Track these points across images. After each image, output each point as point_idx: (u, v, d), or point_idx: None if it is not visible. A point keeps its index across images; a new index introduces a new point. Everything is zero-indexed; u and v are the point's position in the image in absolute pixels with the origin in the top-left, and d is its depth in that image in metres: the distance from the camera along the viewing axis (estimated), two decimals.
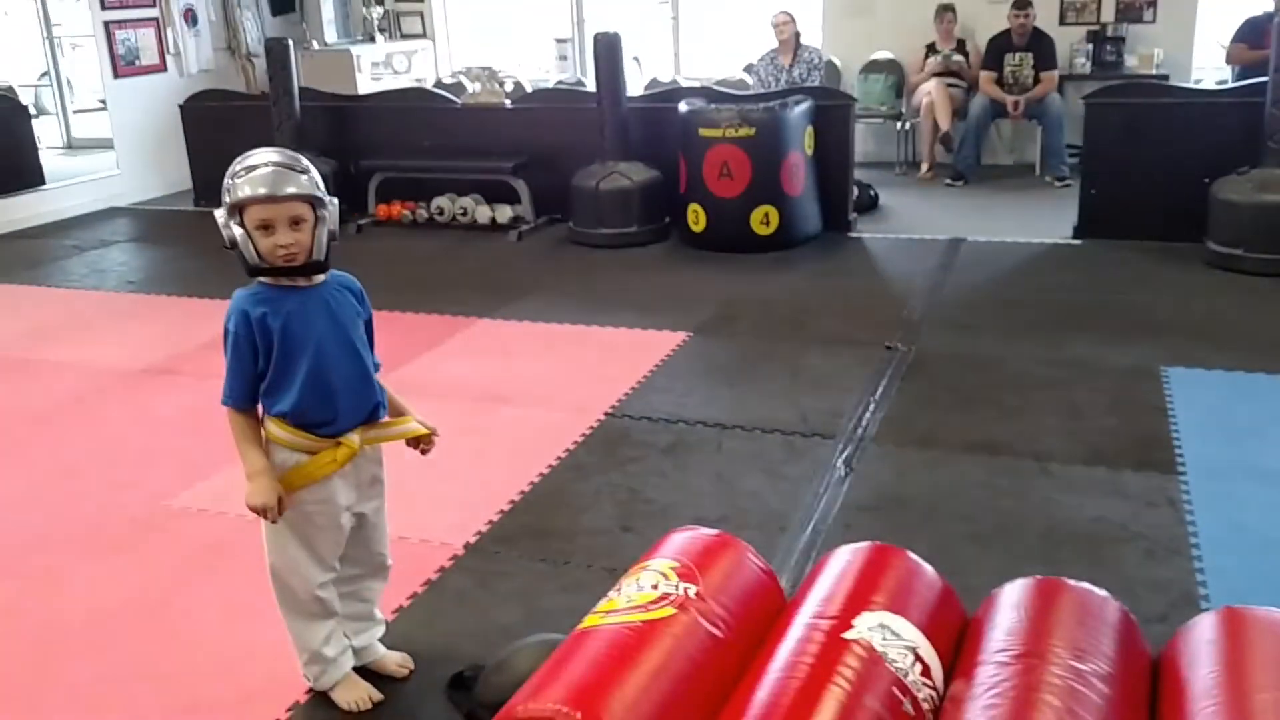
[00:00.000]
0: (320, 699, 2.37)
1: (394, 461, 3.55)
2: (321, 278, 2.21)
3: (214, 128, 7.86)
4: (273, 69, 7.21)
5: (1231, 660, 1.86)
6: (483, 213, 6.99)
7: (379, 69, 9.13)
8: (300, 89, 7.31)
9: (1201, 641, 1.93)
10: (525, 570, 2.88)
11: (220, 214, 2.11)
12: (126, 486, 3.51)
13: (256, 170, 2.09)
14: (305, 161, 2.18)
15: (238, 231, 2.10)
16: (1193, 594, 2.62)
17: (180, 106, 8.07)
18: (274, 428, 2.19)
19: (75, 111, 10.58)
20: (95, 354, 4.87)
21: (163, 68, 8.57)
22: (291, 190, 2.10)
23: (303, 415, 2.18)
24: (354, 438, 2.24)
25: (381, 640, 2.48)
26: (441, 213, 7.09)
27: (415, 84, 8.59)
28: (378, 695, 2.36)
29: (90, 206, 8.15)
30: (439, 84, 8.50)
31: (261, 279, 2.16)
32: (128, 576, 2.96)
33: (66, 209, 8.00)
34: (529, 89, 8.05)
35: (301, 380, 2.16)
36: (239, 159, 2.15)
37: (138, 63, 8.38)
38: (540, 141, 6.87)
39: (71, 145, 10.37)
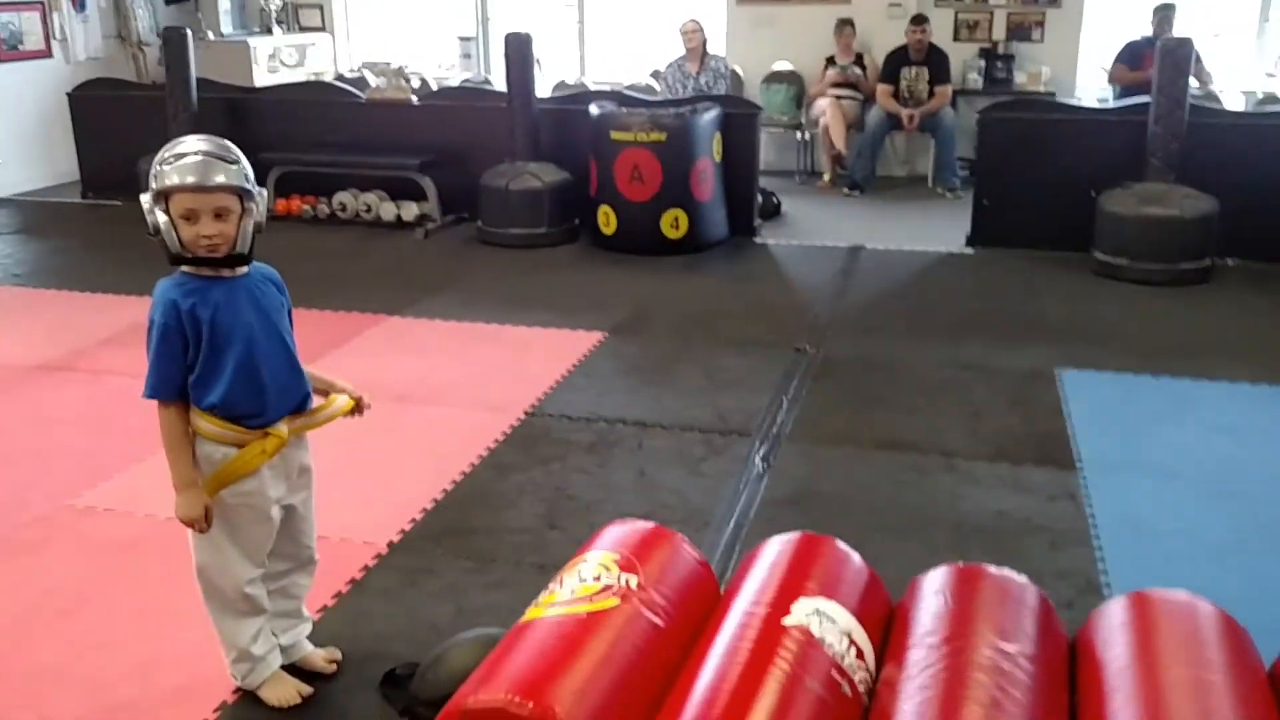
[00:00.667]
0: (248, 698, 2.33)
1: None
2: (244, 269, 2.18)
3: (105, 118, 7.58)
4: (169, 58, 6.99)
5: (1142, 640, 1.98)
6: (387, 209, 6.91)
7: (274, 62, 8.93)
8: (197, 79, 7.10)
9: (1114, 624, 2.05)
10: (452, 568, 2.87)
11: (146, 199, 2.08)
12: (27, 486, 3.37)
13: (185, 159, 2.06)
14: (236, 151, 2.15)
15: (161, 219, 2.07)
16: (1095, 581, 2.77)
17: (69, 95, 7.75)
18: (201, 421, 2.15)
19: None
20: None
21: (48, 54, 8.22)
22: (220, 180, 2.07)
23: (232, 408, 2.14)
24: (282, 427, 2.21)
25: (309, 639, 2.44)
26: (344, 209, 6.98)
27: (312, 78, 8.42)
28: (307, 690, 2.34)
29: None
30: (340, 78, 8.36)
31: (184, 268, 2.13)
32: (36, 578, 2.85)
33: None
34: (434, 87, 7.98)
35: (231, 372, 2.13)
36: (168, 145, 2.11)
37: (20, 47, 8.03)
38: (447, 139, 6.83)
39: None
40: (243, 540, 2.23)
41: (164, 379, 2.11)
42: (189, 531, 2.21)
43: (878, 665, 2.01)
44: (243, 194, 2.11)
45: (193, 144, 2.09)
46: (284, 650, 2.39)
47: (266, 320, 2.19)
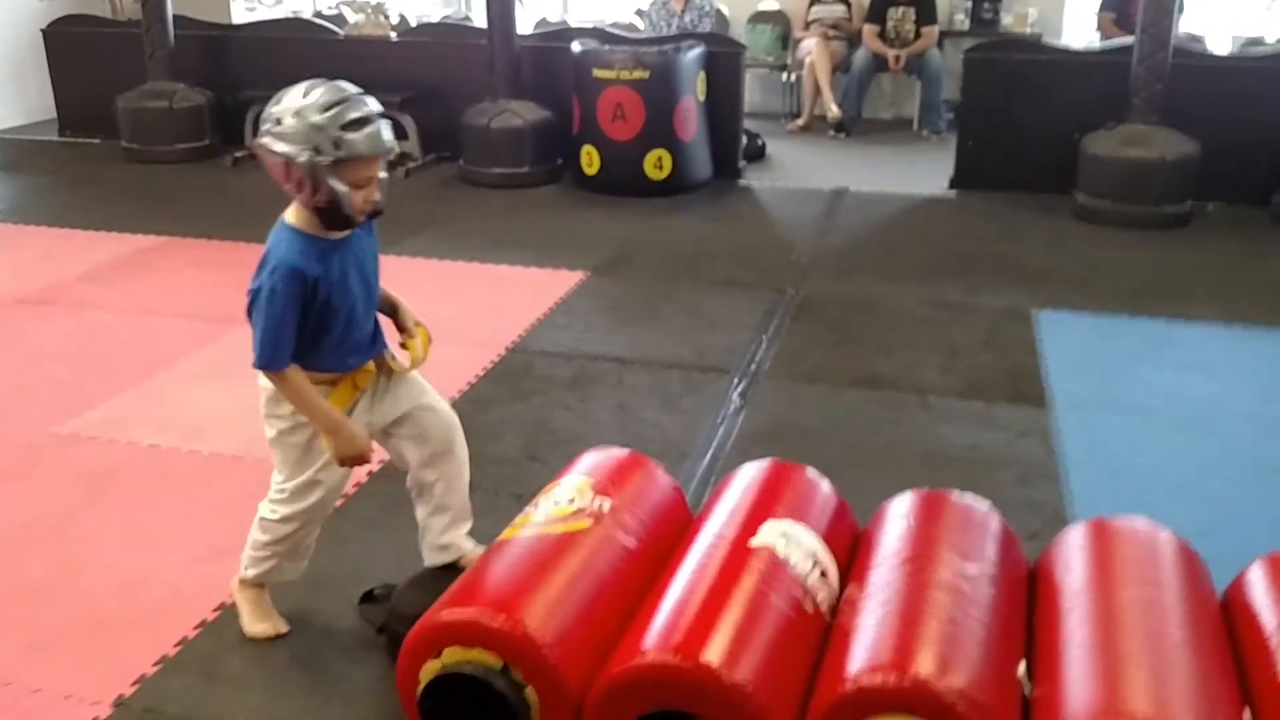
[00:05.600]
0: (230, 615, 2.37)
1: None
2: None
3: (81, 55, 7.48)
4: None
5: (1099, 563, 2.04)
6: None
7: (252, 1, 8.80)
8: (173, 16, 7.01)
9: (1073, 548, 2.11)
10: None
11: (302, 156, 1.92)
12: (10, 415, 3.40)
13: (368, 126, 1.95)
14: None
15: (340, 187, 1.95)
16: (1061, 513, 2.83)
17: (43, 31, 7.63)
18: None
19: None
20: None
21: None
22: (394, 143, 2.02)
23: (326, 363, 2.12)
24: (370, 365, 2.19)
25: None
26: None
27: (292, 15, 8.31)
28: (284, 628, 2.34)
29: None
30: (318, 15, 8.25)
31: (304, 230, 2.04)
32: (22, 502, 2.89)
33: None
34: (413, 24, 7.89)
35: (337, 336, 2.10)
36: (319, 95, 1.94)
37: None
38: (428, 77, 6.77)
39: None
40: (329, 479, 2.21)
41: (281, 348, 2.01)
42: (281, 474, 2.19)
43: (842, 586, 2.07)
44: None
45: (363, 105, 1.96)
46: (443, 549, 2.35)
47: (365, 278, 2.14)
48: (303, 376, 2.06)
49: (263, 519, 2.25)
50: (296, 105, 1.94)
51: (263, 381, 2.13)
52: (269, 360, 2.03)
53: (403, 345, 2.26)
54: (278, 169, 1.98)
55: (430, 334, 2.27)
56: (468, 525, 2.39)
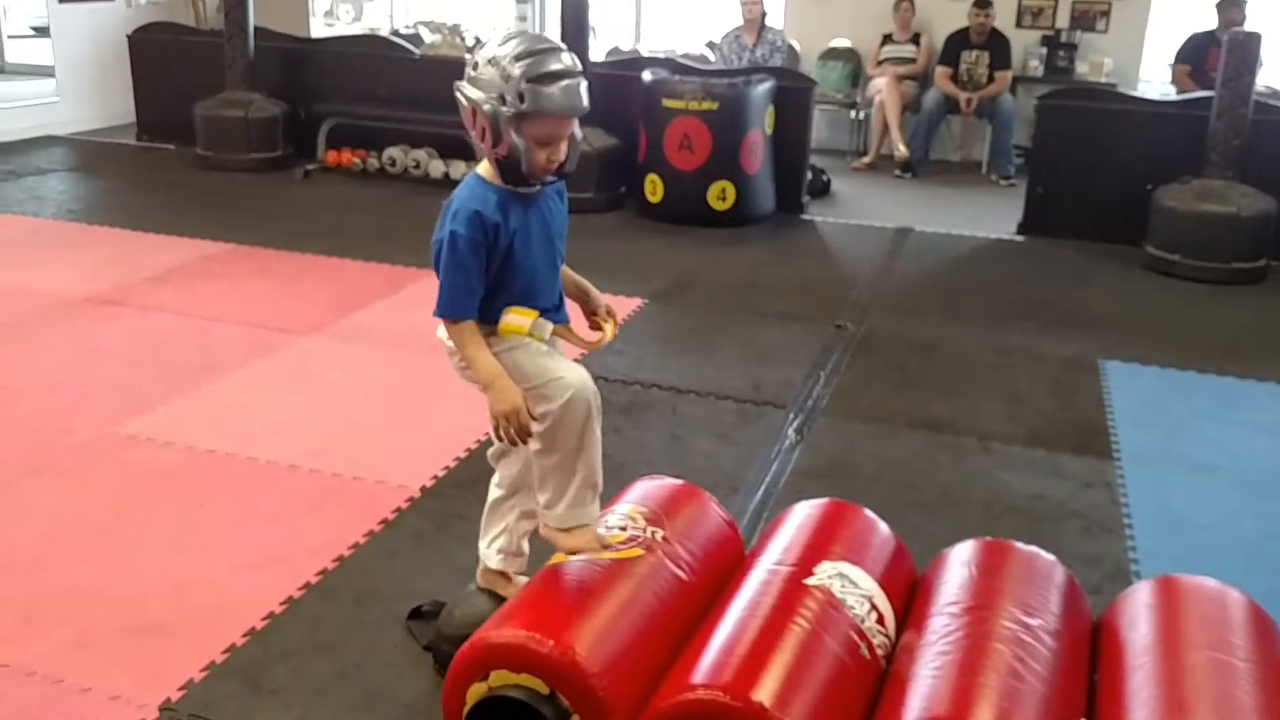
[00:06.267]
0: (279, 620, 2.37)
1: (349, 405, 3.57)
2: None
3: (163, 62, 7.67)
4: (229, 5, 7.04)
5: (1166, 622, 1.97)
6: (436, 166, 6.94)
7: (331, 17, 8.98)
8: (255, 28, 7.17)
9: (1140, 605, 2.04)
10: (482, 515, 2.89)
11: (486, 102, 1.86)
12: (72, 413, 3.45)
13: (564, 80, 1.86)
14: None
15: (519, 142, 1.87)
16: (1125, 569, 2.75)
17: (128, 37, 7.85)
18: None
19: (9, 37, 10.25)
20: (36, 280, 4.75)
21: None
22: (587, 103, 1.91)
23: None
24: (546, 327, 2.07)
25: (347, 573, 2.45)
26: (393, 164, 7.02)
27: (369, 32, 8.46)
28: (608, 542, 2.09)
29: (25, 133, 7.90)
30: (395, 33, 8.39)
31: (490, 181, 1.98)
32: (77, 500, 2.92)
33: None
34: None
35: (519, 293, 2.01)
36: (517, 44, 1.86)
37: None
38: None
39: (4, 70, 10.05)
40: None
41: (461, 295, 1.93)
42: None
43: (898, 632, 2.02)
44: None
45: (562, 59, 1.88)
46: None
47: (550, 240, 2.06)
48: (476, 330, 1.97)
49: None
50: (493, 52, 1.88)
51: (441, 333, 2.05)
52: (448, 308, 1.94)
53: (593, 327, 2.19)
54: (466, 115, 1.92)
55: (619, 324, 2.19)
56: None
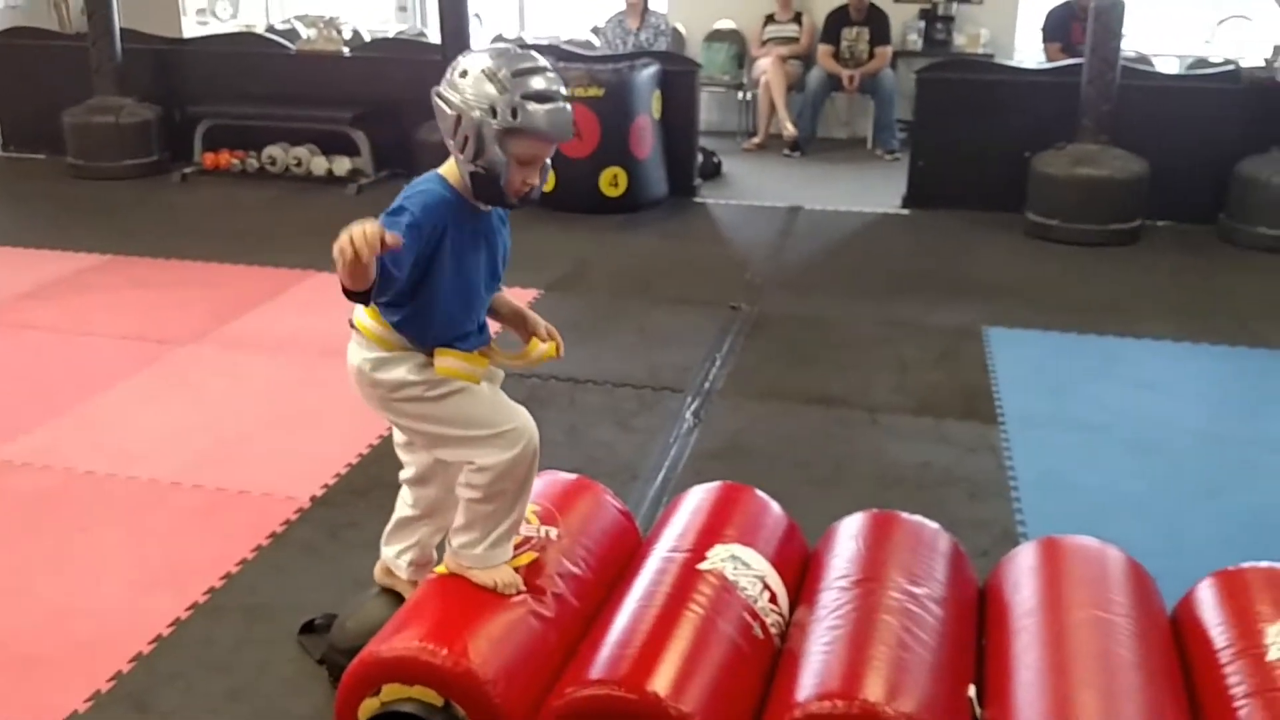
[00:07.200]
0: (163, 647, 2.30)
1: (233, 415, 3.47)
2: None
3: (27, 68, 7.31)
4: (92, 7, 6.75)
5: (1048, 583, 2.02)
6: (318, 164, 6.78)
7: (206, 15, 8.69)
8: (121, 30, 6.90)
9: (1023, 567, 2.10)
10: (377, 521, 2.78)
11: (473, 112, 1.81)
12: None
13: (555, 105, 1.83)
14: None
15: (500, 157, 1.82)
16: (1012, 531, 2.82)
17: None
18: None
19: None
20: None
21: None
22: (572, 128, 1.88)
23: (434, 339, 1.96)
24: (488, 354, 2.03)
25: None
26: (274, 163, 6.83)
27: (244, 29, 8.22)
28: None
29: None
30: (271, 29, 8.16)
31: (453, 185, 1.90)
32: None
33: None
34: (367, 39, 7.83)
35: (455, 309, 1.95)
36: (512, 58, 1.83)
37: None
38: (381, 93, 6.70)
39: None
40: None
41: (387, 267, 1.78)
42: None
43: (792, 608, 2.04)
44: None
45: (552, 82, 1.84)
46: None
47: (493, 263, 2.01)
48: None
49: None
50: (484, 61, 1.83)
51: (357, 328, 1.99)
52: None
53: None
54: (447, 121, 1.86)
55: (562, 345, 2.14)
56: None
